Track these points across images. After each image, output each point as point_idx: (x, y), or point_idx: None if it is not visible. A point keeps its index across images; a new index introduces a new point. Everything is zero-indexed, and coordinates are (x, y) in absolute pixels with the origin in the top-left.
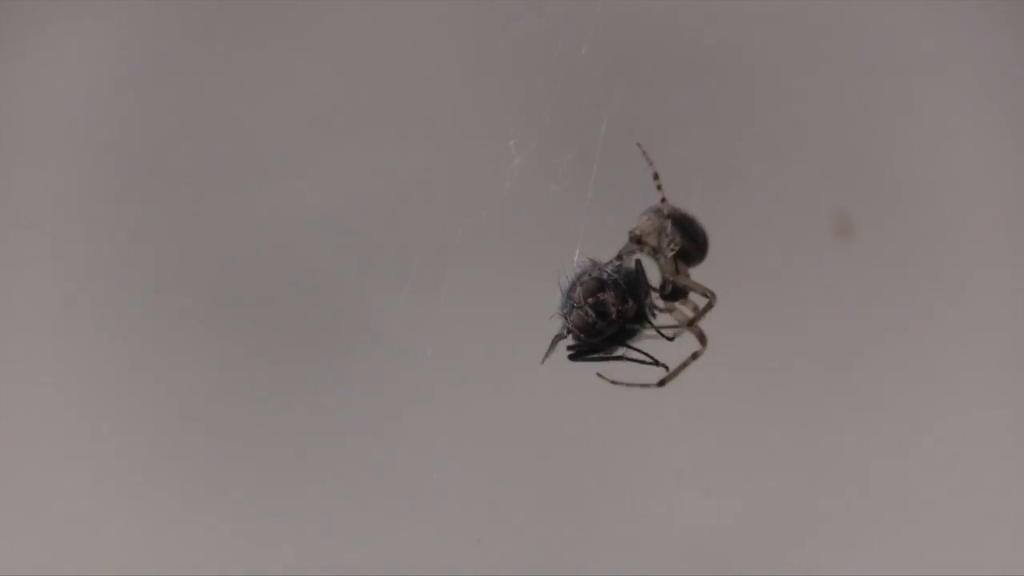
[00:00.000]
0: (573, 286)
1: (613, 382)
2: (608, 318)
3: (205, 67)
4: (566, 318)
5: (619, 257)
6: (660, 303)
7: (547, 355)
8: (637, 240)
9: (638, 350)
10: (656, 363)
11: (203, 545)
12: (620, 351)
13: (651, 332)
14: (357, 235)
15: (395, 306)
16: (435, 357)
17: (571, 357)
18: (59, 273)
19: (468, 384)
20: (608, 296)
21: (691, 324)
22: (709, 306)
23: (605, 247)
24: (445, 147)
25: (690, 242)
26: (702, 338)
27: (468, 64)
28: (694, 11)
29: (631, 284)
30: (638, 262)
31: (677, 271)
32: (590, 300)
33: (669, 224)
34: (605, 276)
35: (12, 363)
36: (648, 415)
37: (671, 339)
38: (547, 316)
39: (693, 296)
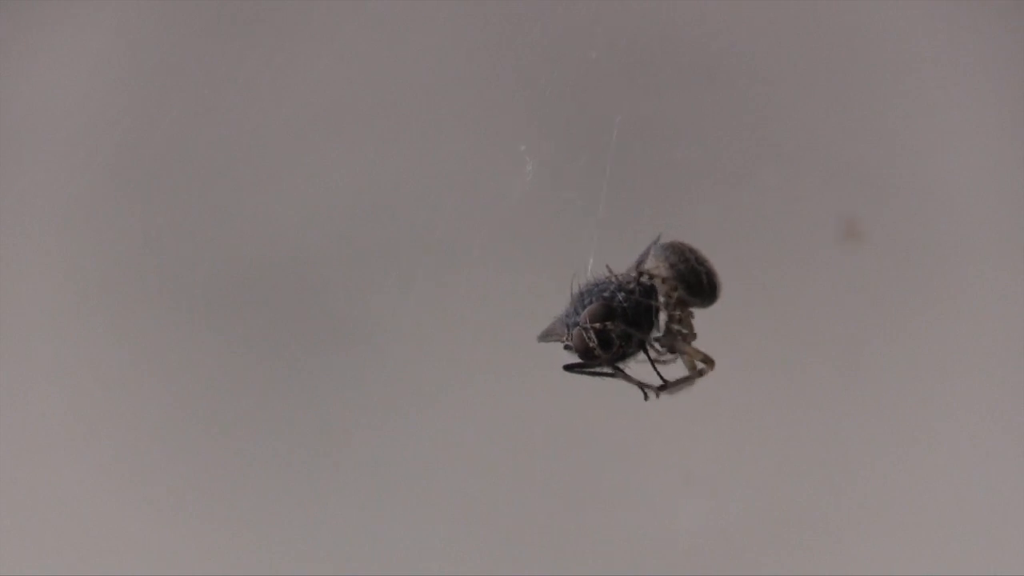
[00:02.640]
0: (583, 297)
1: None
2: (608, 348)
3: (219, 67)
4: (568, 329)
5: (639, 271)
6: (657, 345)
7: (543, 337)
8: (650, 276)
9: (627, 375)
10: (643, 390)
11: (204, 545)
12: (613, 370)
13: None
14: (368, 241)
15: (404, 312)
16: (443, 363)
17: (565, 367)
18: (57, 272)
19: (475, 388)
20: (613, 327)
21: (664, 388)
22: (700, 374)
23: (617, 255)
24: (456, 153)
25: (693, 299)
26: (707, 360)
27: (478, 70)
28: (704, 16)
29: (639, 316)
30: (655, 288)
31: (680, 320)
32: (595, 325)
33: (671, 277)
34: (615, 303)
35: (12, 363)
36: (654, 417)
37: (646, 399)
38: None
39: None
